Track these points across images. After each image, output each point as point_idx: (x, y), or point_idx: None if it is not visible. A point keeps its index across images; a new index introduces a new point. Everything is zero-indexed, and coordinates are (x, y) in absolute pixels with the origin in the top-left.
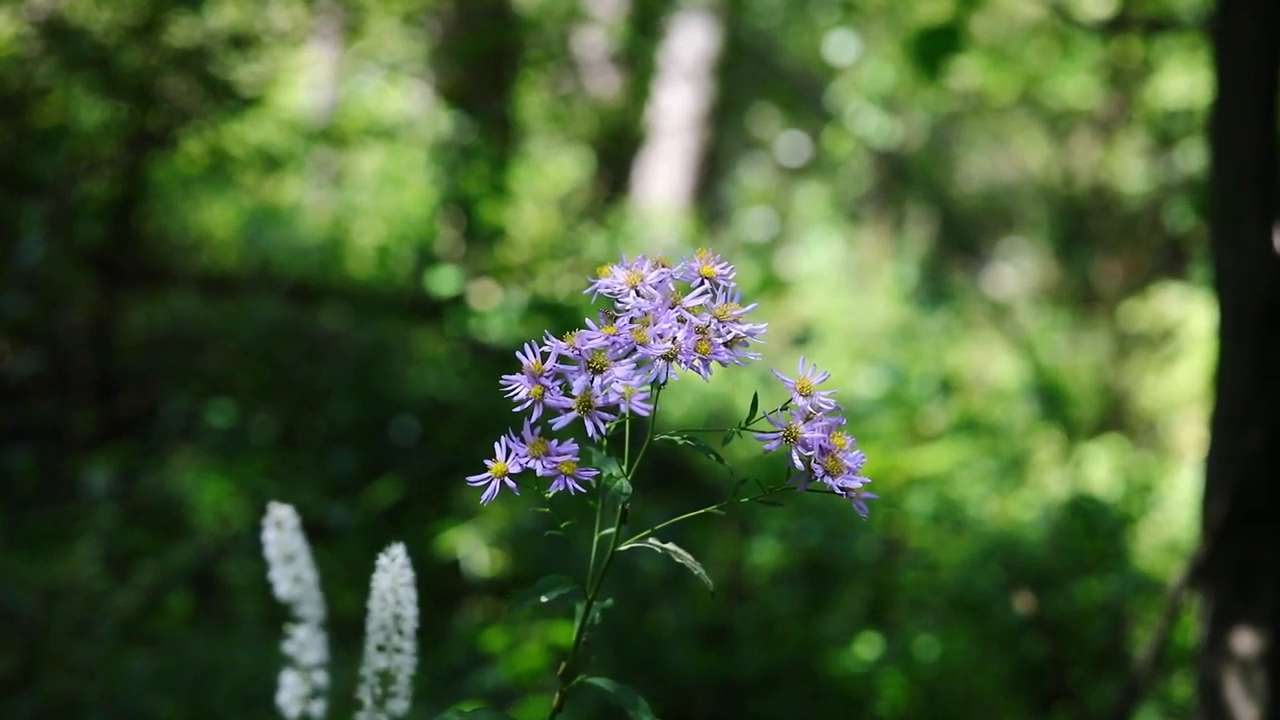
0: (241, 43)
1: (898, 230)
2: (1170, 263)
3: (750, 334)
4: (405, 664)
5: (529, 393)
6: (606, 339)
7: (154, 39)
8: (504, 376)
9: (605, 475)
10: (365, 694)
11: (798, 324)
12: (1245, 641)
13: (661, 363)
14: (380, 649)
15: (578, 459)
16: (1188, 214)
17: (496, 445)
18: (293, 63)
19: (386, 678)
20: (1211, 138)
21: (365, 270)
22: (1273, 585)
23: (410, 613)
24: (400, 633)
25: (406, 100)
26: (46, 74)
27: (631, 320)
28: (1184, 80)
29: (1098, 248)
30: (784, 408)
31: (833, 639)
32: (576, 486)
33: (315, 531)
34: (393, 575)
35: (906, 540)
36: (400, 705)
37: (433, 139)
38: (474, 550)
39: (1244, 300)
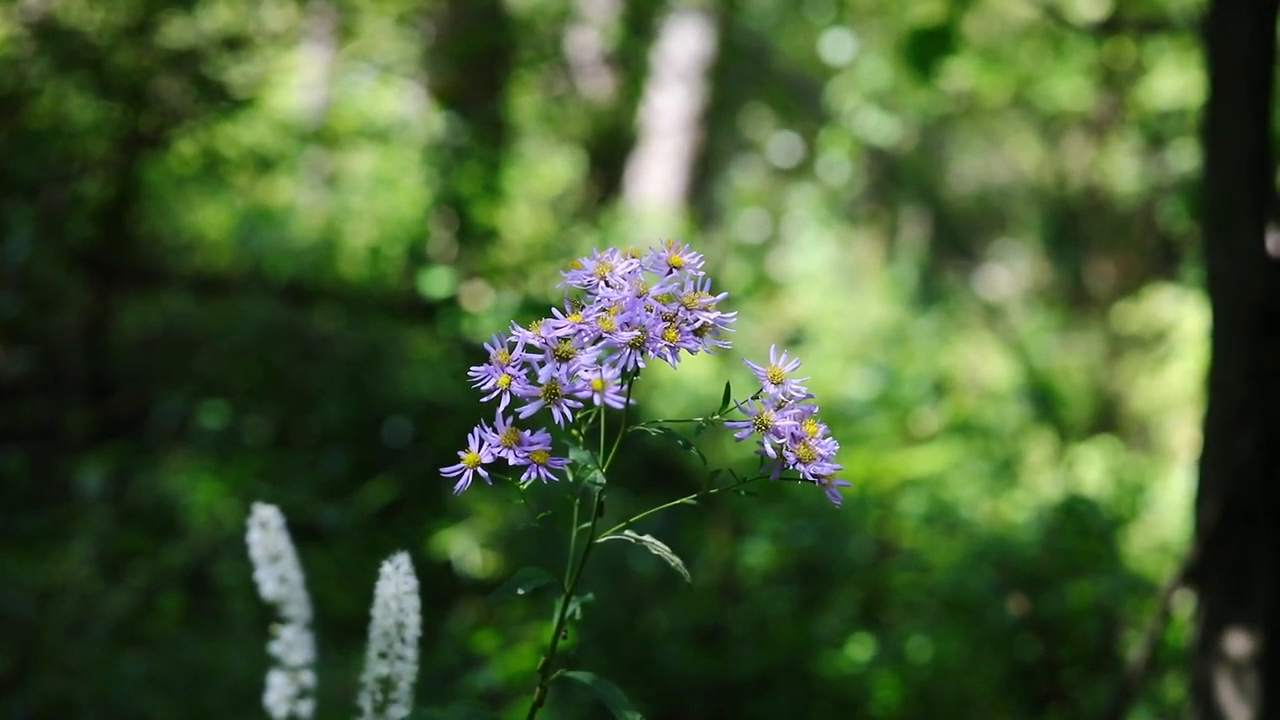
0: (234, 44)
1: (891, 232)
2: (1163, 264)
3: (720, 322)
4: (406, 671)
5: (497, 382)
6: (573, 327)
7: (147, 40)
8: (473, 369)
9: (579, 467)
10: (365, 700)
11: (791, 325)
12: (1238, 643)
13: (629, 350)
14: (382, 656)
15: (550, 448)
16: (1181, 215)
17: (470, 436)
18: (285, 64)
19: (387, 684)
20: (1204, 139)
21: (358, 271)
22: (1265, 587)
23: (413, 620)
24: (402, 640)
25: (399, 101)
26: (39, 75)
27: (601, 310)
28: (1176, 81)
29: (1091, 249)
30: (756, 396)
31: (826, 640)
32: (549, 475)
33: (308, 532)
34: (396, 583)
35: (899, 542)
36: (400, 712)
37: (426, 140)
38: (467, 551)
39: (1237, 302)
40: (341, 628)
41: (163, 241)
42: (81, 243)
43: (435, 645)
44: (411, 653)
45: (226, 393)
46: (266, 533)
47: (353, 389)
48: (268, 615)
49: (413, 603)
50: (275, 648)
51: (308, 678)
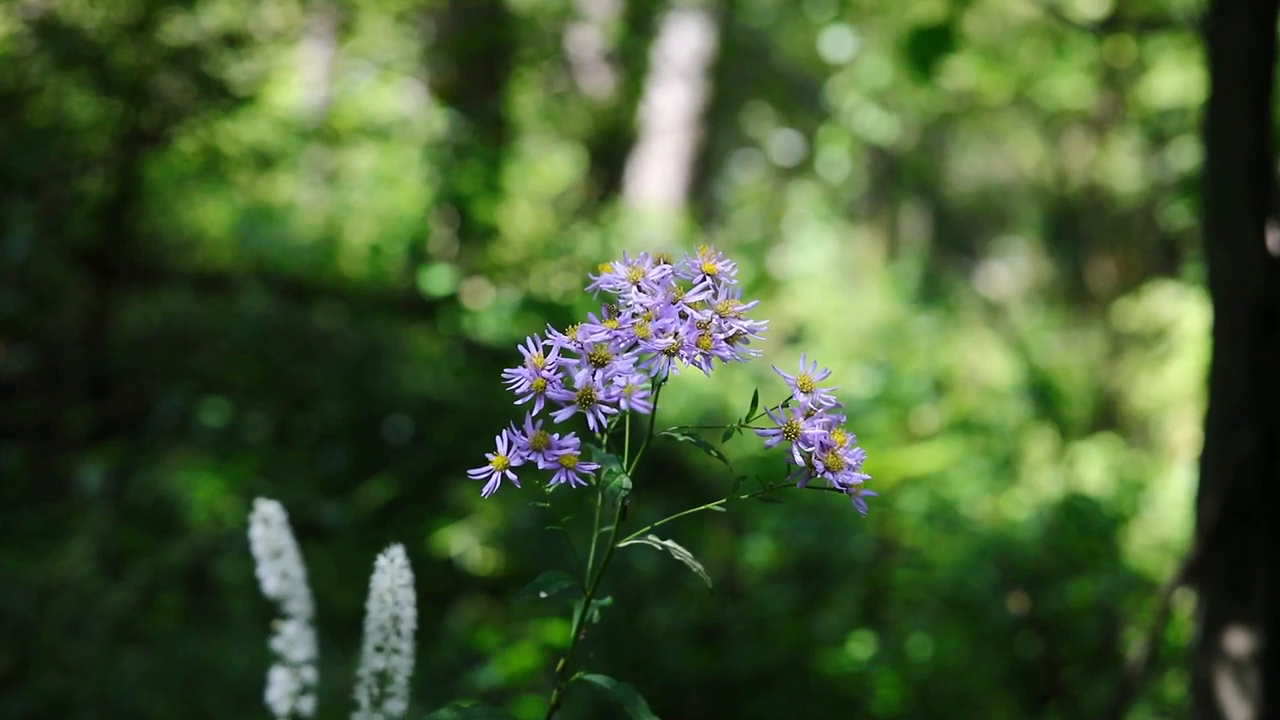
0: (235, 41)
1: (892, 229)
2: (1164, 262)
3: (751, 330)
4: (403, 665)
5: (531, 385)
6: (609, 333)
7: (147, 37)
8: (506, 370)
9: (605, 471)
10: (362, 694)
11: (791, 323)
12: (1238, 641)
13: (663, 357)
14: (378, 649)
15: (579, 453)
16: (1182, 213)
17: (498, 438)
18: (286, 61)
19: (384, 678)
20: (1205, 137)
21: (359, 269)
22: (1266, 585)
23: (408, 614)
24: (398, 634)
25: (400, 99)
26: (40, 72)
27: (634, 315)
28: (1177, 79)
29: (1091, 247)
30: (785, 404)
31: (826, 638)
32: (577, 480)
33: (309, 530)
34: (391, 576)
35: (900, 539)
36: (397, 706)
37: (427, 138)
38: (467, 548)
39: (1237, 300)
40: (342, 625)
41: (163, 239)
42: (82, 240)
43: (436, 643)
44: (408, 646)
45: (226, 390)
46: (268, 528)
47: (353, 387)
48: (267, 612)
49: (408, 596)
50: (277, 644)
51: (309, 674)
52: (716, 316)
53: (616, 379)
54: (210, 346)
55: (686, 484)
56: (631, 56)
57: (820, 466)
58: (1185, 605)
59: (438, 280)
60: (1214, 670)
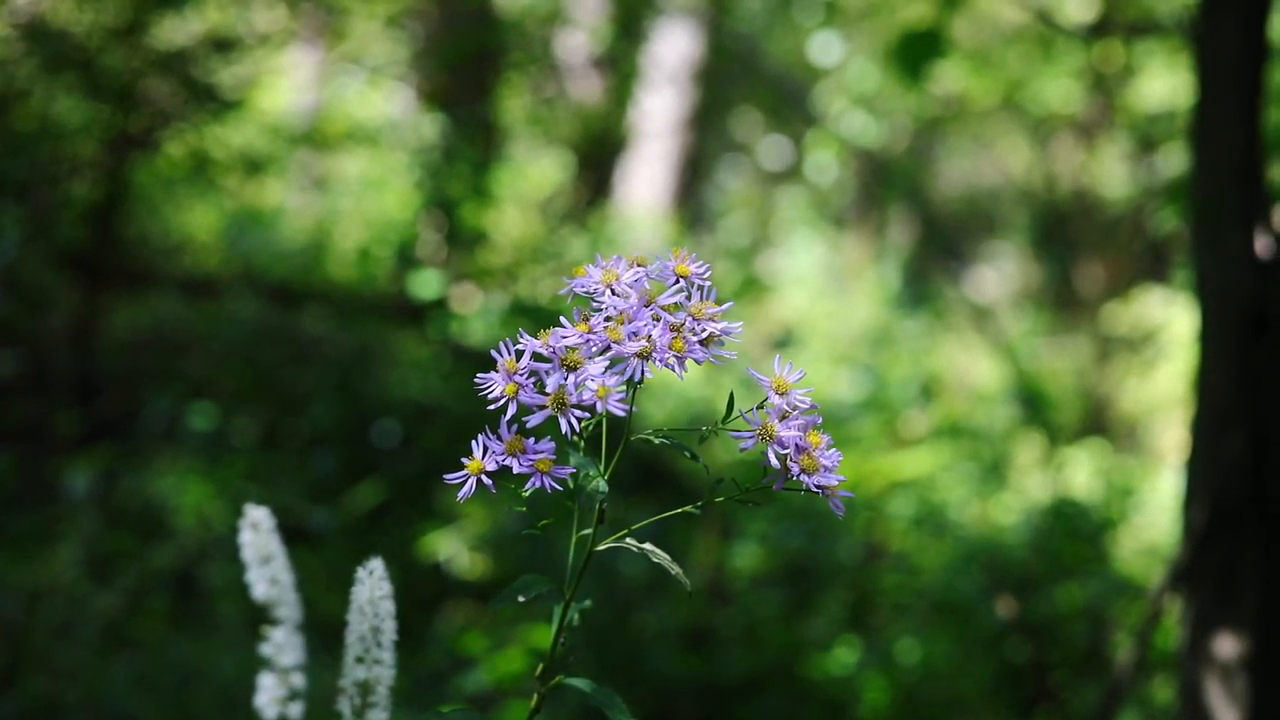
0: (224, 45)
1: (880, 234)
2: (1152, 266)
3: (726, 332)
4: (384, 675)
5: (503, 390)
6: (581, 337)
7: (136, 41)
8: (479, 375)
9: (582, 475)
10: (344, 705)
11: (779, 328)
12: (1226, 645)
13: (636, 360)
14: (359, 660)
15: (554, 457)
16: (1171, 217)
17: (474, 443)
18: (275, 66)
19: (365, 688)
20: (1194, 142)
21: (347, 273)
22: (1254, 589)
23: (388, 625)
24: (379, 644)
25: (389, 103)
26: (28, 76)
27: (607, 319)
28: (1166, 83)
29: (1079, 251)
30: (759, 406)
31: (814, 642)
32: (552, 484)
33: (297, 534)
34: (370, 588)
35: (888, 544)
36: (379, 716)
37: (415, 142)
38: (456, 553)
39: (1226, 304)
40: (331, 630)
41: (151, 243)
42: (70, 244)
43: (424, 647)
44: (389, 656)
45: (215, 394)
46: (258, 534)
47: (342, 391)
48: (256, 617)
49: (388, 607)
50: (266, 649)
51: (298, 679)
52: (690, 319)
53: (589, 383)
54: (199, 350)
55: (676, 488)
56: (620, 61)
57: (796, 469)
58: (1174, 610)
59: (426, 284)
60: (1202, 675)
